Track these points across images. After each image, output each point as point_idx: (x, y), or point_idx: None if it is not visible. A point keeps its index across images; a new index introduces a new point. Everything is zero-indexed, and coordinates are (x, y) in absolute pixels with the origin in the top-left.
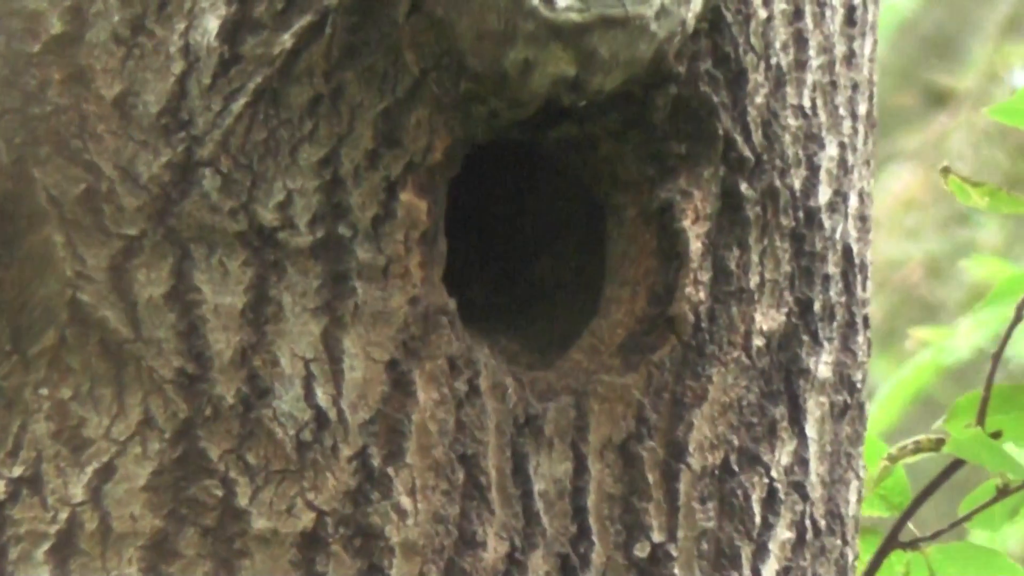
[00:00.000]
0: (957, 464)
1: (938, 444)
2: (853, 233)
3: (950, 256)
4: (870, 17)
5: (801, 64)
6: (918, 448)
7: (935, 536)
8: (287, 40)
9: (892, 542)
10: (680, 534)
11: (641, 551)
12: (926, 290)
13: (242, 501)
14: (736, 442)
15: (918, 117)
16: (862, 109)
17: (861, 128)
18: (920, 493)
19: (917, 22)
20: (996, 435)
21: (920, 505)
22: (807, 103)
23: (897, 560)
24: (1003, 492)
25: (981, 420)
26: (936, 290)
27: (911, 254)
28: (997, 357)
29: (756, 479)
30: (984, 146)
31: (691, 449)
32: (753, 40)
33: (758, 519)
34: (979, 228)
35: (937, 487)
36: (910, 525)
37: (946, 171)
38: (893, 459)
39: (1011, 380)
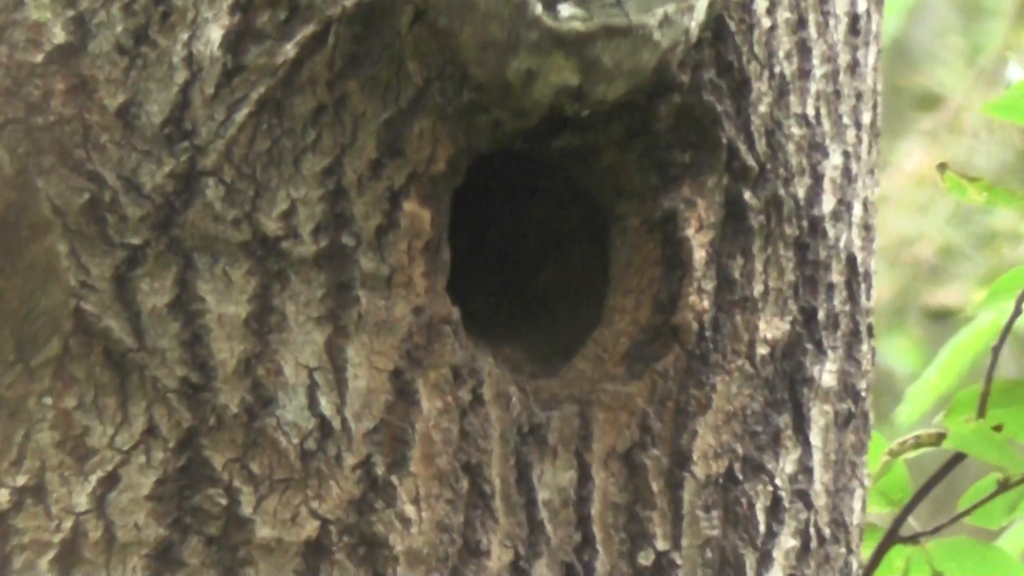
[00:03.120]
0: (958, 459)
1: (938, 439)
2: (857, 242)
3: (962, 233)
4: (874, 26)
5: (805, 73)
6: (918, 443)
7: (936, 531)
8: (290, 50)
9: (892, 537)
10: (684, 542)
11: (645, 559)
12: (938, 266)
13: (246, 510)
14: (740, 451)
15: (932, 97)
16: (866, 118)
17: (865, 137)
18: (920, 488)
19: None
20: (997, 429)
21: (921, 500)
22: (811, 112)
23: (897, 555)
24: (1004, 486)
25: (982, 414)
26: (949, 266)
27: (923, 230)
28: (997, 351)
29: (760, 487)
30: (998, 124)
31: (695, 458)
32: (757, 49)
33: (762, 527)
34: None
35: (937, 482)
36: (910, 520)
37: (942, 167)
38: (893, 454)
39: None
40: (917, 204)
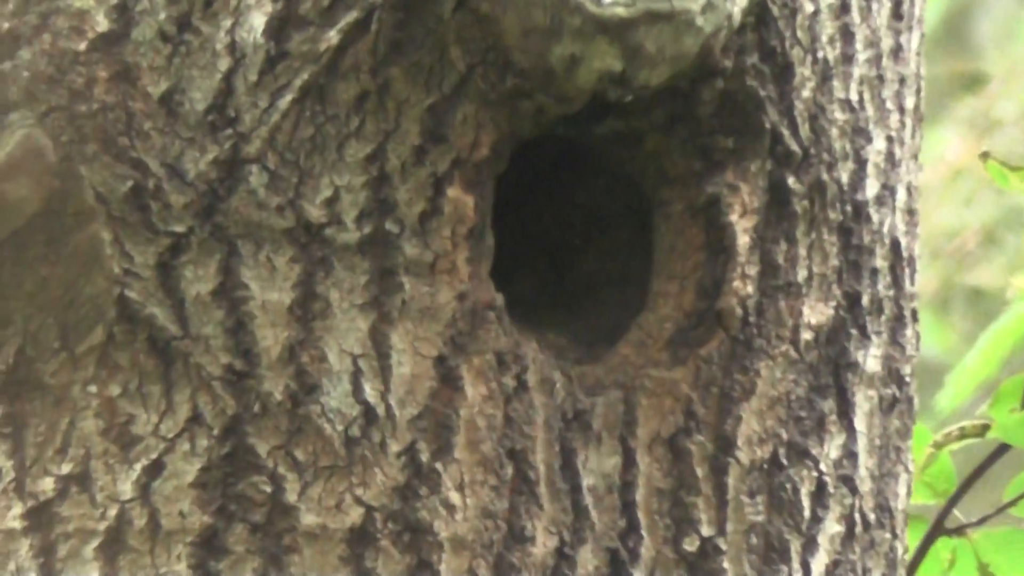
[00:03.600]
0: (1003, 449)
1: (983, 429)
2: (901, 227)
3: (1006, 223)
4: (917, 11)
5: (848, 58)
6: (963, 434)
7: (981, 522)
8: (333, 36)
9: (938, 529)
10: (729, 528)
11: (690, 545)
12: (982, 258)
13: (291, 497)
14: (785, 436)
15: (971, 83)
16: (909, 103)
17: (908, 122)
18: (966, 479)
19: None
20: None
21: (966, 491)
22: (854, 97)
23: (943, 547)
24: None
25: None
26: (993, 258)
27: (966, 222)
28: None
29: (805, 473)
30: None
31: (740, 443)
32: (799, 34)
33: (807, 513)
34: None
35: (983, 472)
36: (956, 512)
37: (985, 156)
38: (938, 445)
39: None
40: (959, 195)
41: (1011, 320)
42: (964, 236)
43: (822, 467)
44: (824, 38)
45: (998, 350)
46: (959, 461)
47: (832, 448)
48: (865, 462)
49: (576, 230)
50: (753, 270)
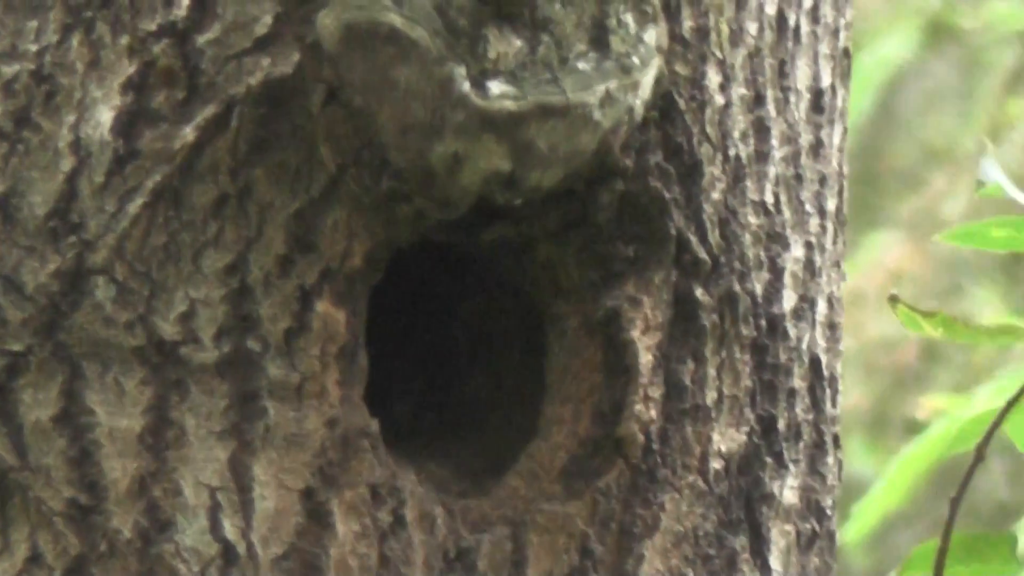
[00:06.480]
0: None
1: None
2: (821, 343)
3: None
4: (839, 103)
5: (763, 155)
6: None
7: None
8: (189, 134)
9: None
10: None
11: None
12: (922, 372)
13: None
14: None
15: (913, 178)
16: (831, 205)
17: (830, 226)
18: None
19: (912, 75)
20: None
21: None
22: (769, 199)
23: None
24: None
25: (939, 573)
26: (933, 372)
27: (905, 334)
28: (956, 503)
29: None
30: (987, 212)
31: None
32: (709, 129)
33: None
34: (980, 301)
35: None
36: None
37: (894, 300)
38: None
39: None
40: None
41: (918, 448)
42: (903, 349)
43: None
44: (736, 133)
45: (904, 480)
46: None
47: None
48: None
49: (460, 348)
50: (656, 392)
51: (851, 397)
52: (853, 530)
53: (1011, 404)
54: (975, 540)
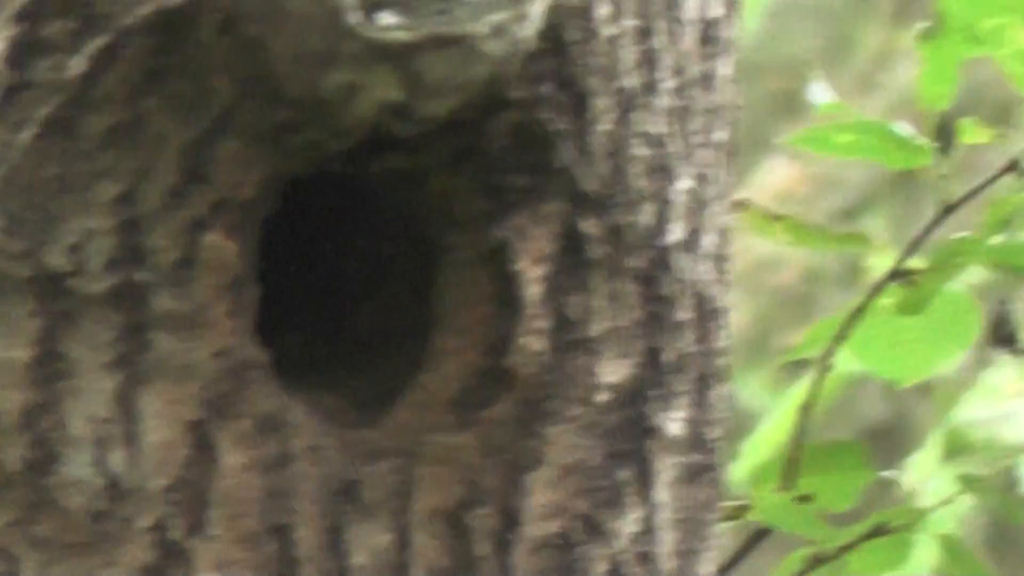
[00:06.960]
0: (763, 533)
1: (741, 511)
2: (709, 275)
3: (834, 256)
4: (729, 33)
5: (652, 88)
6: (724, 516)
7: None
8: (82, 63)
9: None
10: None
11: None
12: (804, 294)
13: None
14: (578, 509)
15: (800, 105)
16: (720, 136)
17: (719, 158)
18: (724, 565)
19: (801, 3)
20: (805, 499)
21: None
22: (658, 131)
23: None
24: (816, 561)
25: (790, 483)
26: (816, 293)
27: (787, 255)
28: (805, 412)
29: (599, 551)
30: None
31: (528, 518)
32: (598, 61)
33: None
34: (868, 223)
35: (742, 558)
36: None
37: (743, 204)
38: None
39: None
40: None
41: (805, 386)
42: (786, 271)
43: (619, 544)
44: (625, 65)
45: (793, 416)
46: None
47: (630, 522)
48: (666, 538)
49: (353, 279)
50: (545, 324)
51: (735, 319)
52: (740, 469)
53: (853, 316)
54: (827, 449)
